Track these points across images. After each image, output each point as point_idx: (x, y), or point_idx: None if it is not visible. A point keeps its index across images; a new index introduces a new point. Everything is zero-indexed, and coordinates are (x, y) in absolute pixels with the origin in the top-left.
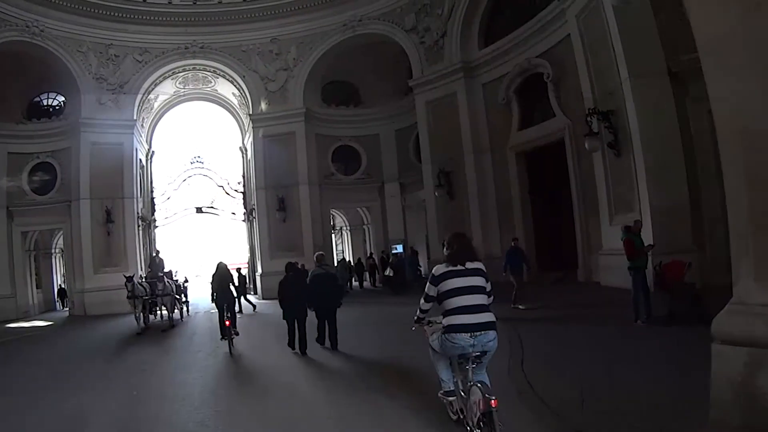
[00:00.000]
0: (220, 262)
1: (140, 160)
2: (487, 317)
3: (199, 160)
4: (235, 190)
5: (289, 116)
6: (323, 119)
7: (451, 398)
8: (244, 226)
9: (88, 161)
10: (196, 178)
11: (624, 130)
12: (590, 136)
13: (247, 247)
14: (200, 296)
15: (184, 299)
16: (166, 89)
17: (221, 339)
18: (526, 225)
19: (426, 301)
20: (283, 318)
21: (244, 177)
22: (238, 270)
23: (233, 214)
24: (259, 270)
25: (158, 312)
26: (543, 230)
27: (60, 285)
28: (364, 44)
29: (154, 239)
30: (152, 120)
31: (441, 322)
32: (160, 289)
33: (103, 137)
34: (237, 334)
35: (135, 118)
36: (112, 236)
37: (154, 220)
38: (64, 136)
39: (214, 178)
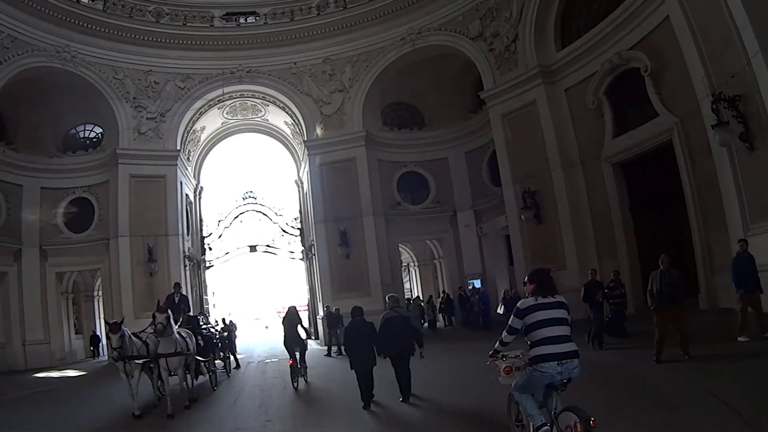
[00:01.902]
0: (291, 306)
1: (187, 195)
2: (572, 347)
3: (251, 195)
4: (292, 227)
5: (347, 141)
6: (385, 144)
7: (544, 428)
8: (302, 265)
9: (128, 195)
10: (249, 215)
11: (757, 117)
12: (720, 126)
13: (307, 287)
14: (258, 341)
15: (222, 354)
16: (213, 120)
17: (293, 384)
18: (630, 248)
19: (509, 333)
20: (351, 368)
21: (301, 212)
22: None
23: (291, 252)
24: (320, 313)
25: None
26: (650, 252)
27: (93, 330)
28: (424, 60)
29: (204, 281)
30: (200, 154)
31: (518, 356)
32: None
33: (144, 169)
34: (306, 380)
35: (178, 148)
36: (154, 276)
37: (204, 261)
38: (102, 170)
39: (268, 214)
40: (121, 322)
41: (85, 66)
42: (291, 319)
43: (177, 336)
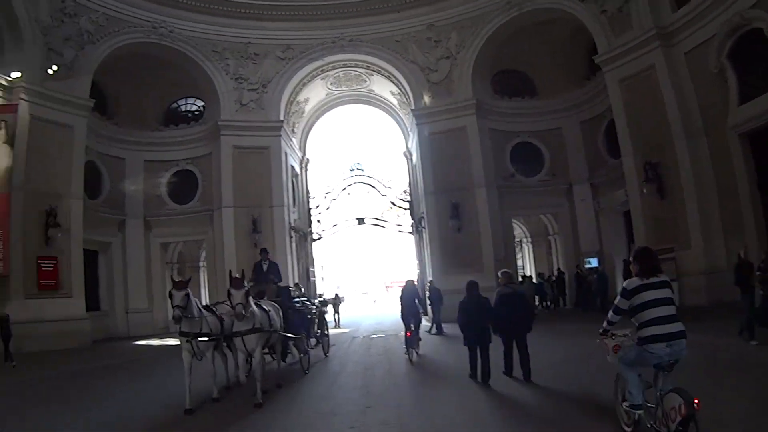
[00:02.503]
0: (409, 280)
1: (292, 167)
2: (679, 327)
3: (359, 167)
4: (401, 200)
5: (457, 109)
6: (497, 112)
7: (638, 411)
8: (411, 239)
9: (231, 167)
10: (356, 187)
11: None
12: None
13: (416, 262)
14: (365, 315)
15: (319, 332)
16: (317, 91)
17: (405, 353)
18: (758, 226)
19: (615, 313)
20: (464, 344)
21: (410, 185)
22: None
23: (399, 225)
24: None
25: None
26: None
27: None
28: (533, 25)
29: (311, 253)
30: (305, 126)
31: (626, 335)
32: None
33: (247, 140)
34: (417, 353)
35: (281, 119)
36: (259, 247)
37: (311, 233)
38: (205, 142)
39: (376, 186)
40: (188, 281)
41: (182, 41)
42: (409, 292)
43: (256, 309)
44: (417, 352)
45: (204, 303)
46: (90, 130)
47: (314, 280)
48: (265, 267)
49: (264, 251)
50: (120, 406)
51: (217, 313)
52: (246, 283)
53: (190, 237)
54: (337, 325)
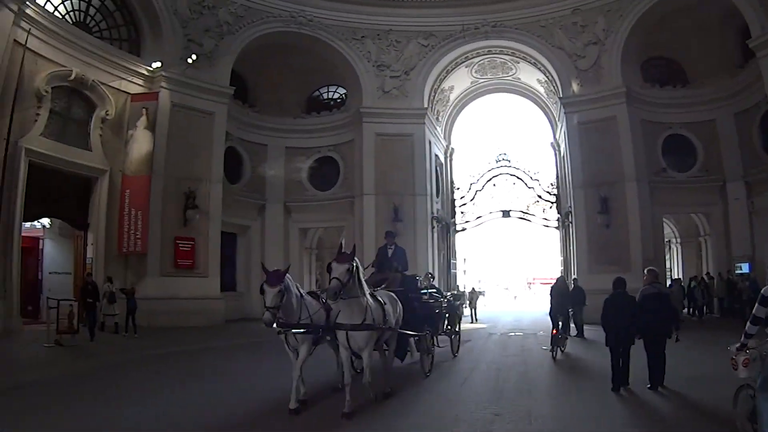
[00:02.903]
0: (560, 277)
1: (437, 156)
2: None
3: (505, 158)
4: (548, 192)
5: (606, 97)
6: (647, 102)
7: None
8: (556, 235)
9: (373, 154)
10: (502, 178)
11: None
12: None
13: (560, 258)
14: (504, 311)
15: (449, 327)
16: (462, 79)
17: (550, 350)
18: None
19: (753, 323)
20: (606, 344)
21: (557, 177)
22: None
23: (545, 219)
24: (572, 287)
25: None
26: None
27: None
28: (681, 9)
29: (453, 245)
30: (449, 115)
31: (755, 347)
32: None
33: (390, 128)
34: (562, 350)
35: (425, 106)
36: (399, 237)
37: (454, 224)
38: (347, 129)
39: (523, 178)
40: (286, 270)
41: (322, 29)
42: (559, 289)
43: (370, 300)
44: (562, 350)
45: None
46: (231, 117)
47: (455, 273)
48: (389, 252)
49: (390, 234)
50: (220, 387)
51: (322, 298)
52: (354, 261)
53: (330, 223)
54: (474, 320)
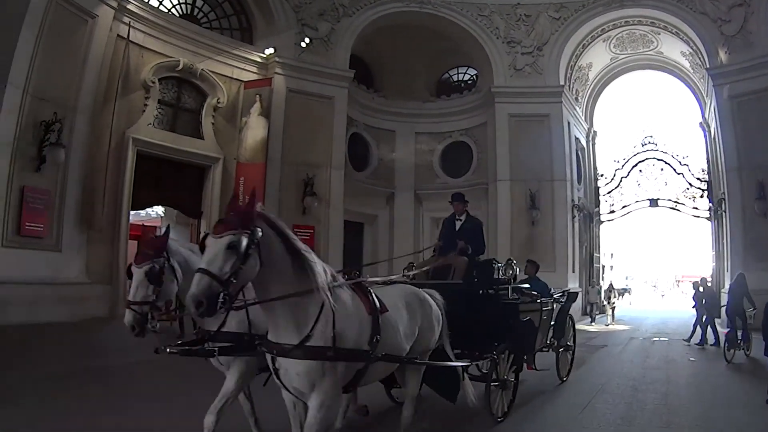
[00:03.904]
0: (740, 274)
1: (577, 139)
2: None
3: (651, 141)
4: (698, 179)
5: (758, 66)
6: None
7: None
8: (708, 226)
9: (507, 136)
10: (648, 163)
11: None
12: None
13: (712, 253)
14: (649, 311)
15: (552, 341)
16: (600, 56)
17: (725, 355)
18: None
19: None
20: (765, 354)
21: (708, 162)
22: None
23: (695, 209)
24: (725, 285)
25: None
26: None
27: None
28: None
29: (597, 237)
30: (589, 95)
31: None
32: None
33: (524, 108)
34: (747, 353)
35: (561, 83)
36: (536, 226)
37: (598, 214)
38: (478, 111)
39: (671, 163)
40: (166, 235)
41: (446, 7)
42: (737, 286)
43: (344, 299)
44: (746, 353)
45: None
46: (356, 102)
47: (598, 267)
48: (458, 225)
49: (458, 198)
50: None
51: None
52: (261, 224)
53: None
54: (611, 321)
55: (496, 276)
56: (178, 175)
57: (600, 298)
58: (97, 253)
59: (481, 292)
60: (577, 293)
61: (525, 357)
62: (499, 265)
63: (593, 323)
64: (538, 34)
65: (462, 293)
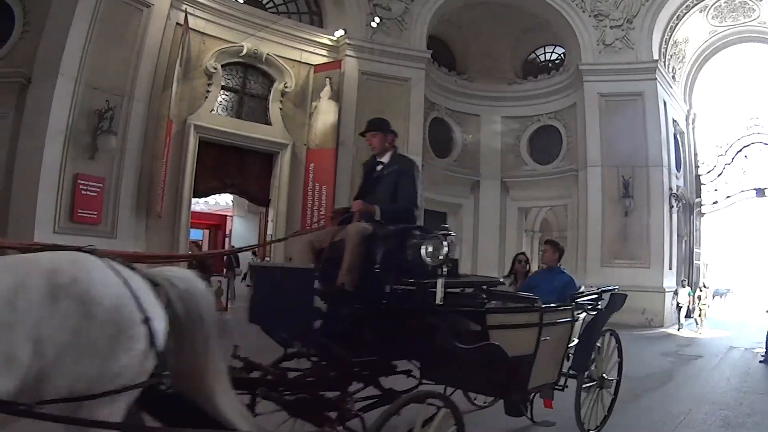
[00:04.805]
0: None
1: (675, 121)
2: None
3: (756, 123)
4: None
5: None
6: None
7: None
8: None
9: (597, 118)
10: (754, 148)
11: None
12: None
13: None
14: (756, 313)
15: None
16: (698, 29)
17: None
18: None
19: None
20: None
21: None
22: None
23: None
24: None
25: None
26: None
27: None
28: None
29: (697, 229)
30: (688, 73)
31: None
32: None
33: (615, 86)
34: None
35: (655, 58)
36: (629, 216)
37: (699, 205)
38: (567, 92)
39: None
40: None
41: None
42: None
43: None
44: None
45: None
46: (437, 85)
47: (699, 265)
48: (376, 172)
49: (375, 123)
50: None
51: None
52: None
53: (552, 201)
54: (698, 325)
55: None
56: (244, 162)
57: (692, 299)
58: (156, 241)
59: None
60: (624, 296)
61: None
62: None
63: (680, 329)
64: (627, 5)
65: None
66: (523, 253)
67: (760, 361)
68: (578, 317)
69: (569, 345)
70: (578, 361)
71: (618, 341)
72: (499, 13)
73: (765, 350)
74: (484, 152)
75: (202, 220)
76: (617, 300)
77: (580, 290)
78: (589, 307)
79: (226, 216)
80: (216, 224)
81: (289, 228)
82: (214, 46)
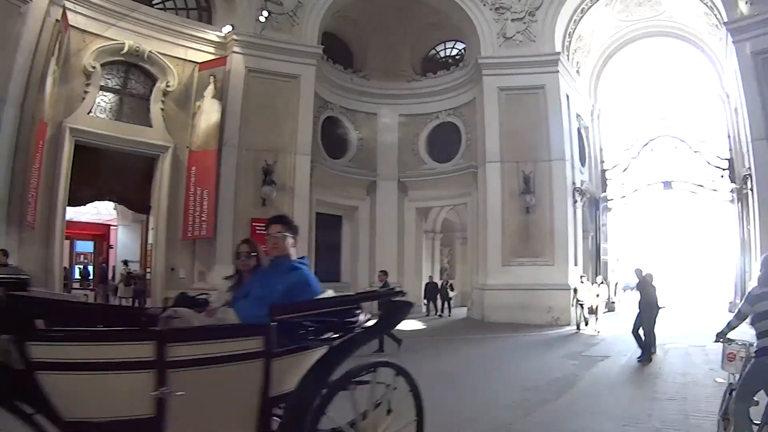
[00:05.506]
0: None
1: (579, 115)
2: None
3: (663, 118)
4: (718, 157)
5: None
6: None
7: None
8: (732, 211)
9: (497, 112)
10: (661, 142)
11: None
12: None
13: (737, 240)
14: (665, 308)
15: None
16: (604, 23)
17: None
18: None
19: (738, 318)
20: None
21: (729, 138)
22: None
23: (714, 191)
24: (752, 278)
25: None
26: None
27: (430, 278)
28: None
29: (603, 224)
30: (594, 67)
31: (745, 344)
32: None
33: (515, 80)
34: None
35: (557, 50)
36: (531, 213)
37: (605, 200)
38: (467, 87)
39: (686, 140)
40: None
41: None
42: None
43: None
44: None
45: None
46: (331, 83)
47: (606, 260)
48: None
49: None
50: None
51: None
52: None
53: (451, 201)
54: (586, 324)
55: None
56: (124, 168)
57: (590, 297)
58: (30, 254)
59: None
60: (409, 304)
61: None
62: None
63: (580, 328)
64: None
65: None
66: (248, 241)
67: (638, 360)
68: (305, 344)
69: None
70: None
71: (407, 376)
72: (400, 8)
73: (639, 348)
74: (381, 152)
75: (86, 230)
76: (394, 311)
77: (325, 295)
78: (315, 327)
79: (110, 225)
80: (100, 234)
81: (170, 236)
82: (94, 44)
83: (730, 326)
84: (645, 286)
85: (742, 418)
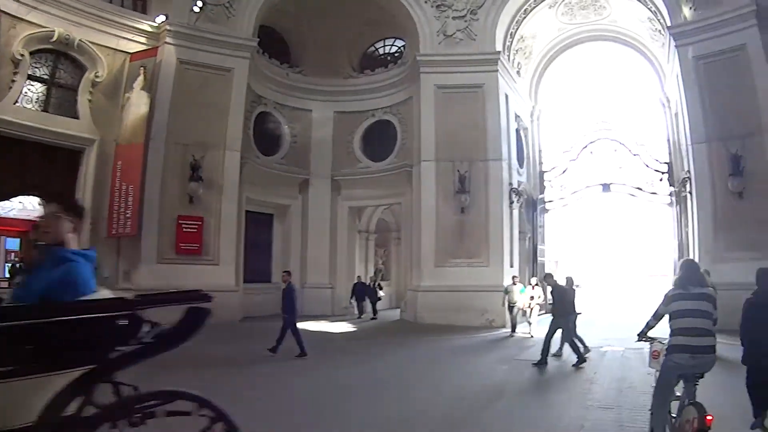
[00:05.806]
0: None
1: (518, 116)
2: (709, 341)
3: (603, 121)
4: (657, 161)
5: (729, 21)
6: None
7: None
8: (669, 213)
9: (433, 110)
10: (600, 145)
11: None
12: None
13: (675, 242)
14: (601, 310)
15: None
16: (547, 25)
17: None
18: None
19: (655, 318)
20: (743, 362)
21: (669, 141)
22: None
23: (653, 194)
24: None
25: None
26: None
27: (358, 278)
28: None
29: (541, 226)
30: (535, 69)
31: (663, 342)
32: None
33: (453, 78)
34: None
35: (498, 50)
36: (466, 213)
37: (543, 201)
38: (404, 85)
39: (626, 143)
40: None
41: None
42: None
43: None
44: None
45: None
46: (266, 78)
47: (543, 261)
48: None
49: None
50: None
51: None
52: None
53: (385, 200)
54: (531, 327)
55: None
56: (49, 161)
57: (523, 299)
58: None
59: None
60: (205, 311)
61: None
62: None
63: (514, 332)
64: None
65: None
66: (37, 226)
67: (573, 365)
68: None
69: None
70: None
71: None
72: (341, 4)
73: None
74: (315, 149)
75: (11, 226)
76: (194, 318)
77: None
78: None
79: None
80: (28, 231)
81: (93, 234)
82: (24, 30)
83: (649, 326)
84: (561, 293)
85: (659, 411)
